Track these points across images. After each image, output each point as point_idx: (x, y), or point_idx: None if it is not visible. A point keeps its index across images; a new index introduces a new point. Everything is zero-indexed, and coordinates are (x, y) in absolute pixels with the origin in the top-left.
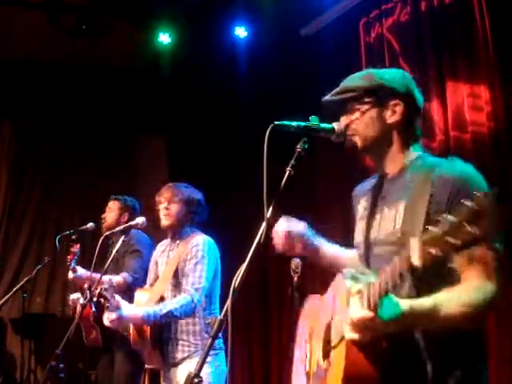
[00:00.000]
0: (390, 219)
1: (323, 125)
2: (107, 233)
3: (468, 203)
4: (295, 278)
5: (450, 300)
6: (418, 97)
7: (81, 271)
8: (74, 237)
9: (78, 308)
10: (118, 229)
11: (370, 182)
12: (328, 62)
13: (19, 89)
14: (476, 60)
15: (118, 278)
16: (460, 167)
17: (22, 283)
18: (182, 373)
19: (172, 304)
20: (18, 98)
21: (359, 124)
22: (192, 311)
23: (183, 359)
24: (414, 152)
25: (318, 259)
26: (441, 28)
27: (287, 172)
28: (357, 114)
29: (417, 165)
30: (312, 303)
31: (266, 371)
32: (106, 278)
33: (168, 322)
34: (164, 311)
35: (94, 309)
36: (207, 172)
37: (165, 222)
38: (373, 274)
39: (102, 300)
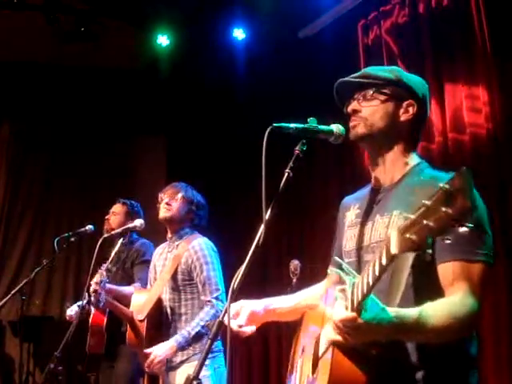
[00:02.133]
0: (383, 226)
1: (322, 127)
2: (105, 235)
3: (442, 185)
4: (294, 280)
5: (436, 312)
6: (428, 107)
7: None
8: (72, 239)
9: (78, 311)
10: (116, 231)
11: (363, 191)
12: (326, 64)
13: (18, 90)
14: (474, 61)
15: (130, 289)
16: None
17: (20, 285)
18: (181, 376)
19: (199, 324)
20: (17, 100)
21: (371, 112)
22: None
23: (182, 362)
24: (415, 158)
25: (278, 316)
26: (439, 30)
27: (286, 174)
28: (373, 102)
29: (416, 174)
30: (306, 322)
31: (265, 372)
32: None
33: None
34: (193, 333)
35: (93, 311)
36: (206, 173)
37: (164, 214)
38: (357, 275)
39: (93, 294)
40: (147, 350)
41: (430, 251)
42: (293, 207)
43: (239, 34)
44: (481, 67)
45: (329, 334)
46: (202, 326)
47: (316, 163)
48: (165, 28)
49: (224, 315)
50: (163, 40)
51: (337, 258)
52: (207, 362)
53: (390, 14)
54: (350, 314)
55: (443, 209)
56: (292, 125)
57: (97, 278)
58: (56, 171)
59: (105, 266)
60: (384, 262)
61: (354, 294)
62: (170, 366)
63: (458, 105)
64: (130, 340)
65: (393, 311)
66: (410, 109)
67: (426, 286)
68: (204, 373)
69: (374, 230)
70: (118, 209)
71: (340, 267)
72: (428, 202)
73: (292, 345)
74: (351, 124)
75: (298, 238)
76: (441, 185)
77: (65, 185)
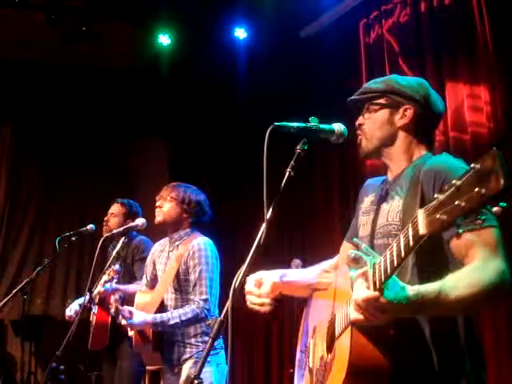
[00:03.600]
0: (385, 214)
1: (323, 126)
2: (107, 234)
3: (473, 165)
4: None
5: (457, 283)
6: (435, 105)
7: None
8: (73, 238)
9: (79, 310)
10: (117, 230)
11: (381, 179)
12: (328, 64)
13: (19, 90)
14: (475, 61)
15: (134, 287)
16: (441, 160)
17: (22, 285)
18: (183, 374)
19: (180, 317)
20: (19, 100)
21: (369, 124)
22: (198, 322)
23: (185, 361)
24: (422, 153)
25: (292, 291)
26: (440, 29)
27: (287, 173)
28: (372, 114)
29: (417, 165)
30: (315, 302)
31: (267, 370)
32: (109, 285)
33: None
34: (171, 322)
35: (94, 310)
36: (208, 174)
37: (157, 218)
38: (377, 255)
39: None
40: (129, 309)
41: (461, 231)
42: (294, 206)
43: (241, 33)
44: (482, 66)
45: (350, 315)
46: (181, 321)
47: (317, 162)
48: (166, 27)
49: (225, 314)
50: (164, 39)
51: (356, 240)
52: (209, 358)
53: (392, 13)
54: (374, 293)
55: (476, 189)
56: (293, 124)
57: (103, 281)
58: (57, 172)
59: (110, 268)
60: (411, 243)
61: (376, 274)
62: (173, 364)
63: (459, 104)
64: (135, 342)
65: (412, 289)
66: (407, 112)
67: (429, 264)
68: (207, 369)
69: (380, 217)
70: (116, 210)
71: (359, 248)
72: (458, 182)
73: (300, 326)
74: (358, 141)
75: (300, 236)
76: (472, 165)
77: (65, 185)
